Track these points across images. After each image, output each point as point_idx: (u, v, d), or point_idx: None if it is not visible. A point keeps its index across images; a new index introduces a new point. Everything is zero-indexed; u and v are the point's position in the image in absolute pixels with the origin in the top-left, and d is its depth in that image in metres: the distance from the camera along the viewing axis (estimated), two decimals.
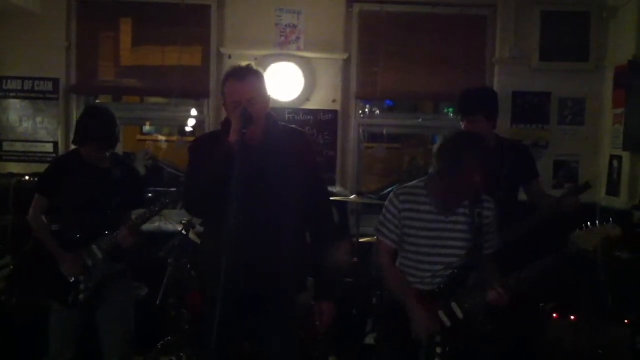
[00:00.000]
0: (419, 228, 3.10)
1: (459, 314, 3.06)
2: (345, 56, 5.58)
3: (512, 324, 3.59)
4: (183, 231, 4.61)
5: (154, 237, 4.81)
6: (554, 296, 4.42)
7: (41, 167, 3.93)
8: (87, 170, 3.63)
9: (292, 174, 2.87)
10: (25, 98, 5.53)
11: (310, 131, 5.54)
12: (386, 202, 3.19)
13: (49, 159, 5.29)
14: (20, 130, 5.55)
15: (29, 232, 3.76)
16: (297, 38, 5.56)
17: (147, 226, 3.83)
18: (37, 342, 3.85)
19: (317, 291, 3.10)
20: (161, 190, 5.15)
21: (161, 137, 9.09)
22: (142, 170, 5.74)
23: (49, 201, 3.72)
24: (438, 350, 3.00)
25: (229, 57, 5.47)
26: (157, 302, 4.44)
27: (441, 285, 3.10)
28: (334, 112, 5.60)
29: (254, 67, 2.88)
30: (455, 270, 3.10)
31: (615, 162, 5.27)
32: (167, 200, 3.66)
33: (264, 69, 5.22)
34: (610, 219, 3.14)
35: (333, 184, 5.52)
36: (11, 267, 4.57)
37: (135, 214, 3.76)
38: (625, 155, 5.11)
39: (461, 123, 3.84)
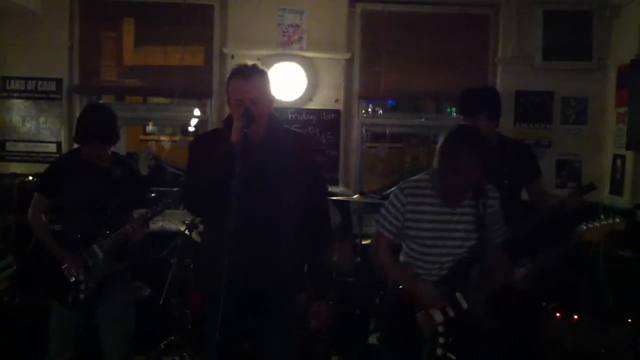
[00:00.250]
0: (425, 221, 3.12)
1: (464, 305, 3.06)
2: (347, 56, 5.59)
3: (512, 323, 3.59)
4: (186, 231, 4.61)
5: (157, 237, 4.79)
6: (555, 296, 4.42)
7: (44, 168, 3.93)
8: (87, 170, 3.63)
9: (293, 174, 2.87)
10: (28, 98, 5.54)
11: (313, 131, 5.54)
12: (391, 196, 3.22)
13: (52, 159, 5.29)
14: (24, 131, 5.56)
15: (32, 232, 3.76)
16: (300, 38, 5.56)
17: (150, 226, 3.82)
18: (39, 342, 3.85)
19: (313, 291, 3.11)
20: (164, 191, 5.16)
21: (164, 137, 9.10)
22: (145, 171, 5.76)
23: (52, 201, 3.73)
24: (441, 340, 3.00)
25: (232, 57, 5.46)
26: (160, 302, 4.45)
27: (445, 275, 3.11)
28: (337, 112, 5.60)
29: (260, 66, 2.88)
30: (460, 261, 3.11)
31: (618, 162, 5.26)
32: (170, 200, 3.66)
33: (267, 69, 5.24)
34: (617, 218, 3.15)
35: (336, 183, 5.52)
36: (14, 267, 4.60)
37: (136, 214, 3.76)
38: (629, 155, 5.10)
39: (464, 122, 3.84)
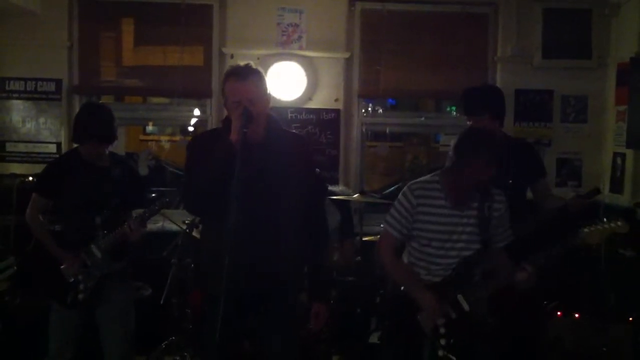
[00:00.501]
0: (433, 222, 3.13)
1: (465, 307, 3.06)
2: (347, 55, 5.58)
3: (512, 323, 3.58)
4: (187, 230, 4.61)
5: (156, 237, 4.80)
6: (556, 295, 4.41)
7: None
8: (87, 170, 3.62)
9: (293, 174, 2.86)
10: (28, 99, 5.54)
11: (313, 130, 5.54)
12: (399, 196, 3.22)
13: (52, 159, 5.29)
14: (24, 131, 5.56)
15: (32, 232, 3.76)
16: (300, 37, 5.55)
17: (150, 226, 3.82)
18: (39, 342, 3.84)
19: (313, 292, 3.11)
20: (164, 190, 5.16)
21: (164, 138, 9.11)
22: (144, 171, 5.76)
23: (51, 202, 3.72)
24: (442, 342, 3.00)
25: (231, 56, 5.46)
26: (161, 302, 4.44)
27: (447, 277, 3.11)
28: (337, 111, 5.60)
29: (254, 66, 2.87)
30: (463, 263, 3.11)
31: (618, 160, 5.25)
32: (168, 199, 3.65)
33: (266, 68, 5.26)
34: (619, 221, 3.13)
35: (336, 183, 5.51)
36: (15, 268, 4.59)
37: (135, 214, 3.76)
38: (629, 153, 5.10)
39: (467, 122, 3.83)
